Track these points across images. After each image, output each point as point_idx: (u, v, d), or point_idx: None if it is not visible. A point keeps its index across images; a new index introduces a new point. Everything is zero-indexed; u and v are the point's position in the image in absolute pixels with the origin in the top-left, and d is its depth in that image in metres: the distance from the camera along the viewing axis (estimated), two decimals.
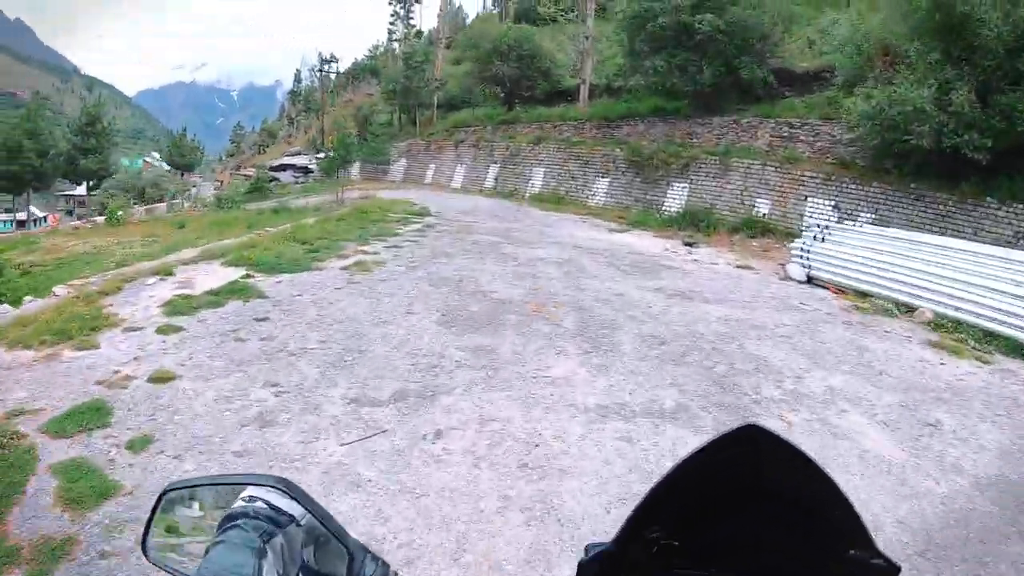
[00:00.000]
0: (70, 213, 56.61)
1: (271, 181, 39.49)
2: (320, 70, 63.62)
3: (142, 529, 1.16)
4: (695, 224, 20.62)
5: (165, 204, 40.59)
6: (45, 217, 53.11)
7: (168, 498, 1.17)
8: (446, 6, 48.40)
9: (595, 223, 21.96)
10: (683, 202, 22.30)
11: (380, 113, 45.81)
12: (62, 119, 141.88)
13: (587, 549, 0.97)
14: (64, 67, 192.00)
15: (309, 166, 42.29)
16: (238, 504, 1.05)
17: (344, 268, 12.85)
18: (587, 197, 26.32)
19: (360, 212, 20.47)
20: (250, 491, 1.07)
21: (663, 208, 22.85)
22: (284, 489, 1.06)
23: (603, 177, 26.05)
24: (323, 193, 29.77)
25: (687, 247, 18.03)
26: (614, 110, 27.34)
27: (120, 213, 31.03)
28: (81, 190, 53.07)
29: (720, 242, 18.78)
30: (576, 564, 0.96)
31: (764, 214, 19.78)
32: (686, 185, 22.52)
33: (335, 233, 16.45)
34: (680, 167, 22.69)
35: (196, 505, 1.19)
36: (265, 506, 1.04)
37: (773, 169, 19.93)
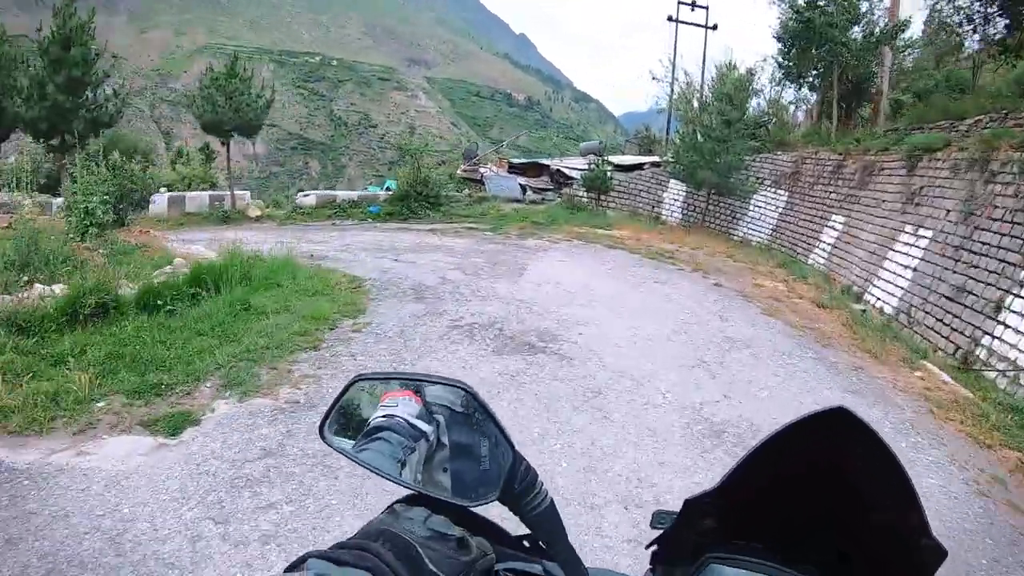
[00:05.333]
0: None
1: None
2: None
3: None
4: None
5: None
6: None
7: (357, 387, 1.16)
8: None
9: None
10: None
11: None
12: (551, 123, 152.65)
13: (654, 516, 1.16)
14: (557, 79, 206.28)
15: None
16: (380, 418, 1.10)
17: None
18: None
19: None
20: (388, 408, 1.11)
21: None
22: (469, 390, 1.07)
23: None
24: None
25: None
26: None
27: None
28: None
29: None
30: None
31: None
32: None
33: None
34: None
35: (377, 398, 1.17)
36: (404, 422, 1.08)
37: None
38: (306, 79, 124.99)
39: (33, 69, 19.58)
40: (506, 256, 14.63)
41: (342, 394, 1.16)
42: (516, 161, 31.06)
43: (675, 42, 29.86)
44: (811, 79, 22.57)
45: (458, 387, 1.09)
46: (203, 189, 24.45)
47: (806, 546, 0.93)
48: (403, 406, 1.10)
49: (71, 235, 14.44)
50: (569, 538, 1.09)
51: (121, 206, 16.05)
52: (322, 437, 1.16)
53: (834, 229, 15.70)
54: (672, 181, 22.90)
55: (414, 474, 1.05)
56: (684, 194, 22.78)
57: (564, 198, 24.79)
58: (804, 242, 17.04)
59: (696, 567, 0.97)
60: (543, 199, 25.48)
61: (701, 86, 28.23)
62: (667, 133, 30.71)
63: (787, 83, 23.87)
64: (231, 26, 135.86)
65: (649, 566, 1.08)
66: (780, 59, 22.38)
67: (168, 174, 27.71)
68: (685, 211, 22.81)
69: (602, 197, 23.65)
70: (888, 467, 0.83)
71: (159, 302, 8.51)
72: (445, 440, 1.10)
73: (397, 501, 1.03)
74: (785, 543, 0.94)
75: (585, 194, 23.95)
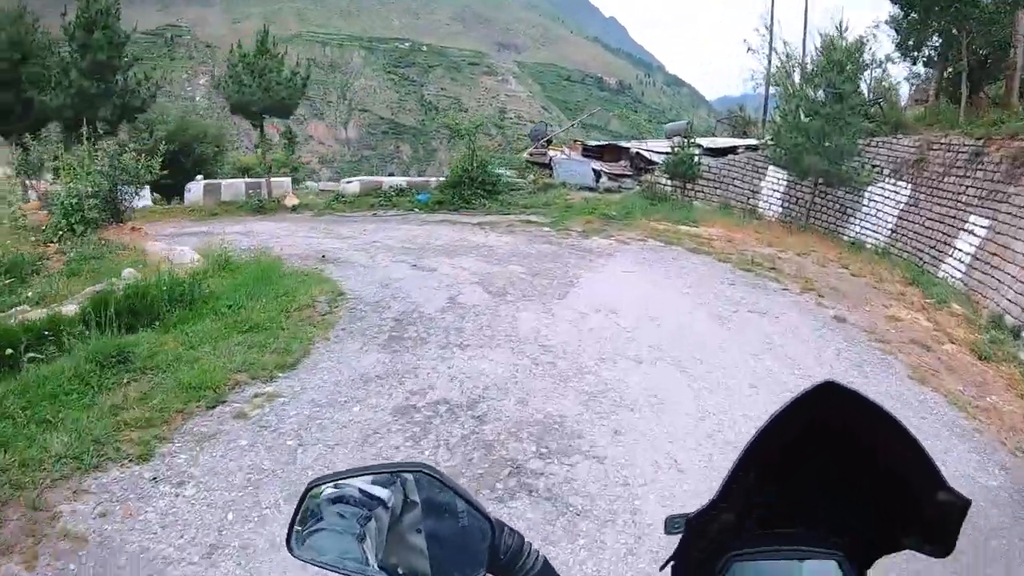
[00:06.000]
0: None
1: None
2: None
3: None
4: None
5: None
6: None
7: (312, 493, 1.09)
8: None
9: None
10: None
11: None
12: (642, 107, 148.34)
13: (667, 522, 1.04)
14: (648, 62, 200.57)
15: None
16: (330, 490, 1.06)
17: None
18: None
19: None
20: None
21: None
22: (429, 473, 1.05)
23: None
24: None
25: None
26: None
27: None
28: None
29: None
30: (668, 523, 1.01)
31: None
32: None
33: None
34: None
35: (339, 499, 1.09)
36: (357, 491, 1.04)
37: None
38: (396, 64, 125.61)
39: (58, 56, 18.46)
40: (556, 263, 11.38)
41: (300, 504, 1.07)
42: (592, 143, 26.88)
43: (772, 5, 26.01)
44: (928, 52, 18.96)
45: (419, 472, 1.05)
46: (284, 174, 23.71)
47: (829, 527, 0.92)
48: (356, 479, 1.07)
49: (45, 235, 12.39)
50: None
51: (119, 199, 13.69)
52: (291, 552, 1.06)
53: (974, 235, 11.90)
54: (771, 168, 18.83)
55: (377, 549, 0.99)
56: (785, 184, 18.77)
57: (644, 186, 20.83)
58: (933, 248, 13.11)
59: (719, 569, 0.93)
60: (619, 187, 21.73)
61: (803, 56, 24.14)
62: (763, 114, 26.91)
63: (898, 57, 20.12)
64: (321, 14, 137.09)
65: None
66: (897, 26, 18.74)
67: (247, 159, 28.85)
68: (786, 204, 18.78)
69: (688, 186, 19.74)
70: (886, 426, 0.83)
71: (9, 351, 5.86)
72: (415, 499, 1.06)
73: None
74: (808, 526, 0.92)
75: (668, 182, 20.11)
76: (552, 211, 17.00)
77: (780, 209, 18.79)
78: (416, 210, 18.34)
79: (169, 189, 20.44)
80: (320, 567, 0.99)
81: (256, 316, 7.84)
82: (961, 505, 0.84)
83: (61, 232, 12.19)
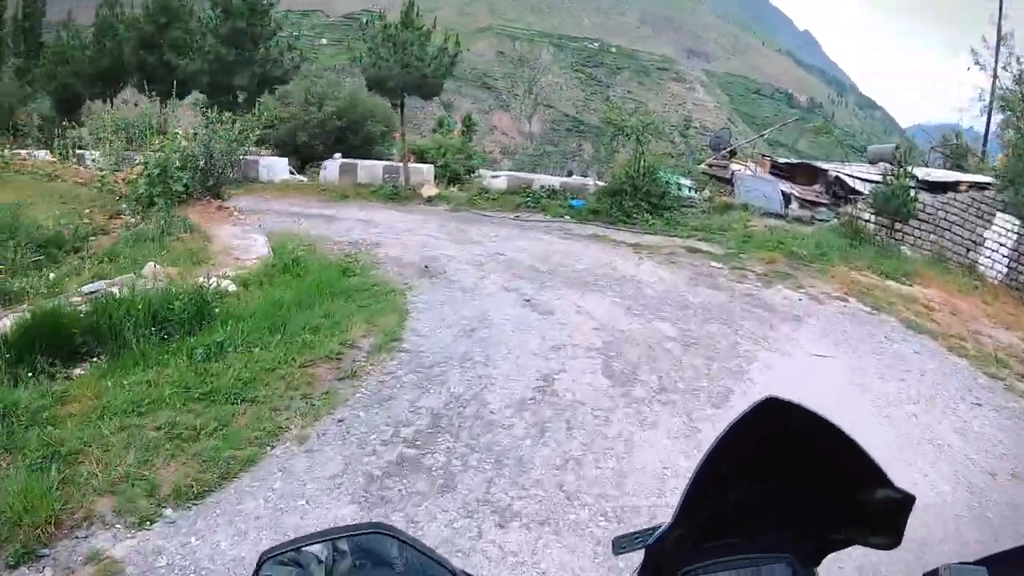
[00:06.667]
0: None
1: None
2: None
3: None
4: None
5: None
6: None
7: (265, 566, 1.02)
8: None
9: None
10: None
11: None
12: (833, 129, 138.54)
13: (614, 543, 1.12)
14: (841, 81, 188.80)
15: None
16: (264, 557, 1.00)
17: None
18: None
19: None
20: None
21: None
22: (385, 532, 1.01)
23: None
24: None
25: None
26: None
27: None
28: None
29: None
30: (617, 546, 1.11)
31: None
32: None
33: None
34: None
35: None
36: (287, 550, 1.00)
37: None
38: (584, 63, 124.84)
39: (198, 20, 16.96)
40: (722, 327, 8.11)
41: None
42: (782, 160, 22.53)
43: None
44: None
45: (375, 532, 1.01)
46: (458, 161, 22.66)
47: (778, 531, 0.93)
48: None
49: (118, 206, 10.61)
50: None
51: (215, 170, 11.64)
52: None
53: None
54: (999, 215, 14.74)
55: None
56: (1016, 237, 14.54)
57: (842, 219, 16.43)
58: None
59: None
60: (812, 217, 17.38)
61: None
62: (983, 143, 23.36)
63: None
64: (513, 8, 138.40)
65: None
66: None
67: (422, 141, 26.88)
68: (1014, 264, 14.53)
69: (897, 226, 15.41)
70: (830, 434, 0.84)
71: None
72: (345, 548, 1.00)
73: None
74: (758, 532, 0.93)
75: (873, 219, 15.72)
76: (727, 239, 13.39)
77: (1006, 269, 14.55)
78: (566, 217, 15.40)
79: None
80: None
81: (237, 368, 5.55)
82: (906, 500, 0.87)
83: (138, 204, 10.30)
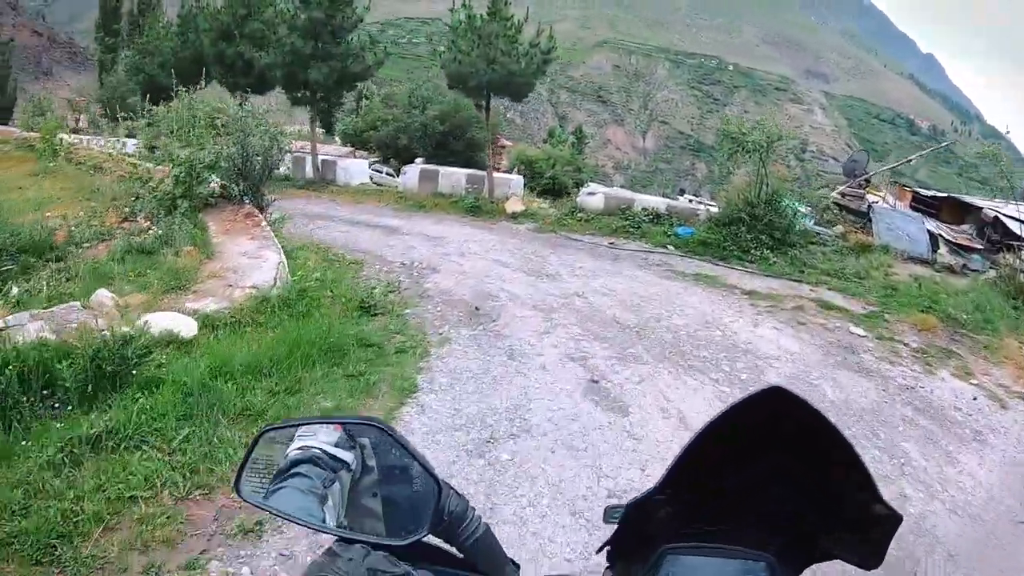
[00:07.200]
0: None
1: None
2: None
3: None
4: None
5: None
6: None
7: (265, 438, 1.08)
8: None
9: None
10: None
11: None
12: (955, 160, 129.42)
13: (606, 512, 1.10)
14: (965, 108, 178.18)
15: None
16: (296, 451, 1.01)
17: None
18: None
19: None
20: (305, 440, 1.02)
21: None
22: (380, 427, 1.03)
23: None
24: None
25: None
26: None
27: None
28: None
29: None
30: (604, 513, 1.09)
31: None
32: None
33: None
34: None
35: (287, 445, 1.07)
36: (322, 454, 1.00)
37: None
38: (700, 81, 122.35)
39: (276, 10, 16.45)
40: (879, 457, 5.38)
41: (251, 449, 1.06)
42: (926, 193, 18.42)
43: None
44: None
45: (371, 425, 1.04)
46: (566, 173, 22.15)
47: (762, 529, 0.91)
48: (321, 435, 1.02)
49: (133, 205, 9.02)
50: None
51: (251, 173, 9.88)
52: (238, 494, 1.04)
53: None
54: None
55: (337, 510, 0.98)
56: None
57: (1000, 271, 12.97)
58: None
59: (653, 560, 0.90)
60: (964, 266, 14.00)
61: None
62: None
63: None
64: (631, 24, 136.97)
65: (606, 563, 1.01)
66: None
67: (531, 151, 26.76)
68: None
69: None
70: (829, 437, 0.82)
71: None
72: (372, 464, 1.03)
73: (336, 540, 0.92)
74: (742, 527, 0.90)
75: None
76: (868, 292, 10.64)
77: None
78: (669, 247, 12.90)
79: None
80: (282, 518, 0.95)
81: (89, 486, 3.55)
82: (893, 519, 0.84)
83: (159, 206, 8.78)
